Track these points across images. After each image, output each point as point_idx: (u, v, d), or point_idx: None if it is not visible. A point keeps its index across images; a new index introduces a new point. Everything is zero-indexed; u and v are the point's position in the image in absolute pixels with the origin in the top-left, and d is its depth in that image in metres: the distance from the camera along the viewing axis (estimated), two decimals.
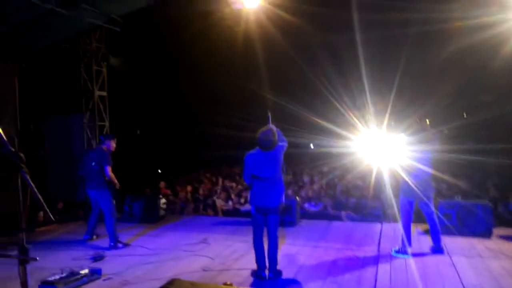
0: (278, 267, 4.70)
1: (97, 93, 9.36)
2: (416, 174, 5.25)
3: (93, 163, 6.26)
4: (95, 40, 9.12)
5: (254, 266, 4.76)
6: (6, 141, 1.92)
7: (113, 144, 6.48)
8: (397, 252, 5.38)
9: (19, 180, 1.95)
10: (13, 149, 1.91)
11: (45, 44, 7.32)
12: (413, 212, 5.50)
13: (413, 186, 5.20)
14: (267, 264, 4.65)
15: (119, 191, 6.52)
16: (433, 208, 5.41)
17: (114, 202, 6.36)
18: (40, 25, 6.22)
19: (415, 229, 6.69)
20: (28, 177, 1.95)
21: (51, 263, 5.17)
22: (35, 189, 1.98)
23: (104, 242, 6.36)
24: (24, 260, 2.05)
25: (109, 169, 6.23)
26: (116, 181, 6.34)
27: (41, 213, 7.90)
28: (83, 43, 9.05)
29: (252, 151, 4.77)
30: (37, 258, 2.09)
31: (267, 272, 4.65)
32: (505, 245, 5.64)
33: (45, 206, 2.09)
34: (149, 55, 12.64)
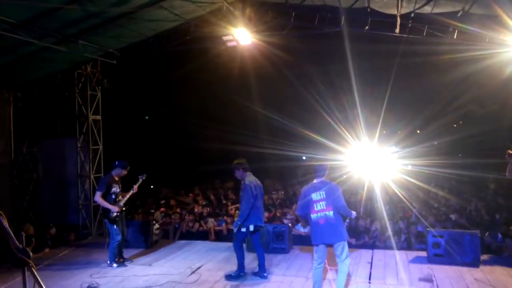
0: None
1: (91, 117, 9.40)
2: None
3: None
4: (90, 66, 9.18)
5: None
6: (14, 237, 1.99)
7: (121, 171, 6.86)
8: None
9: (25, 274, 2.02)
10: (20, 246, 1.98)
11: (41, 75, 7.39)
12: None
13: None
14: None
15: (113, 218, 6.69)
16: None
17: (115, 226, 6.69)
18: (36, 58, 6.28)
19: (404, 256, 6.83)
20: (35, 271, 2.03)
21: None
22: (42, 283, 2.04)
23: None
24: None
25: (97, 194, 6.65)
26: (106, 205, 6.61)
27: (33, 239, 7.87)
28: (78, 68, 9.10)
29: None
30: None
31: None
32: (492, 276, 5.76)
33: None
34: (145, 83, 12.78)
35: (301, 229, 9.24)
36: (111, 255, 6.78)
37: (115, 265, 6.76)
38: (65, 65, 7.39)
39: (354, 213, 5.14)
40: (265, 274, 5.99)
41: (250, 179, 5.96)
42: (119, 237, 6.71)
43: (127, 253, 7.29)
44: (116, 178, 6.86)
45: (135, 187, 6.89)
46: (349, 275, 6.00)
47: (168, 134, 16.93)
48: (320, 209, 4.89)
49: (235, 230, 5.92)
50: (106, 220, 6.74)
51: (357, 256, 6.99)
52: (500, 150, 6.56)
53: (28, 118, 9.84)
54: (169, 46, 7.14)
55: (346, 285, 5.52)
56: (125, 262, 6.92)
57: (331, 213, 4.86)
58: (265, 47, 6.74)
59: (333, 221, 4.86)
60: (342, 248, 4.90)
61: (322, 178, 5.07)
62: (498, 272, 5.89)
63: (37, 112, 9.83)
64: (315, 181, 5.08)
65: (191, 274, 6.30)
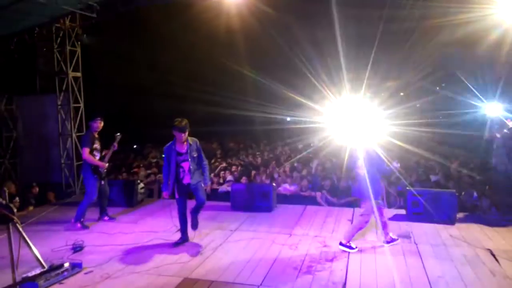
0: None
1: (71, 74, 9.12)
2: None
3: None
4: (69, 20, 8.77)
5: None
6: None
7: (95, 125, 6.71)
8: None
9: (10, 230, 1.99)
10: (4, 201, 1.94)
11: (17, 29, 7.02)
12: None
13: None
14: None
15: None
16: None
17: (102, 182, 6.75)
18: (11, 11, 5.93)
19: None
20: (19, 228, 2.00)
21: (30, 255, 5.19)
22: (27, 239, 2.03)
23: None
24: None
25: (84, 151, 6.54)
26: (95, 162, 6.60)
27: (17, 198, 7.83)
28: (57, 22, 8.69)
29: None
30: None
31: None
32: (467, 232, 6.01)
33: (38, 255, 2.14)
34: (126, 36, 12.34)
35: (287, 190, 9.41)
36: (80, 213, 6.60)
37: (79, 225, 6.58)
38: (42, 18, 7.04)
39: (391, 167, 5.53)
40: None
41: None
42: (95, 196, 6.64)
43: (112, 211, 7.33)
44: (96, 135, 6.80)
45: (115, 144, 6.88)
46: (332, 232, 6.22)
47: (153, 94, 16.64)
48: (360, 167, 5.49)
49: (208, 188, 6.07)
50: (95, 176, 6.61)
51: (338, 214, 7.21)
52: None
53: (5, 74, 9.47)
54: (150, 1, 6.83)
55: (325, 241, 5.73)
56: (110, 219, 6.99)
57: (365, 172, 5.37)
58: (251, 2, 6.49)
59: (364, 180, 5.37)
60: (363, 204, 5.59)
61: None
62: (472, 229, 6.16)
63: (14, 68, 9.47)
64: (360, 142, 5.63)
65: (176, 231, 6.38)
